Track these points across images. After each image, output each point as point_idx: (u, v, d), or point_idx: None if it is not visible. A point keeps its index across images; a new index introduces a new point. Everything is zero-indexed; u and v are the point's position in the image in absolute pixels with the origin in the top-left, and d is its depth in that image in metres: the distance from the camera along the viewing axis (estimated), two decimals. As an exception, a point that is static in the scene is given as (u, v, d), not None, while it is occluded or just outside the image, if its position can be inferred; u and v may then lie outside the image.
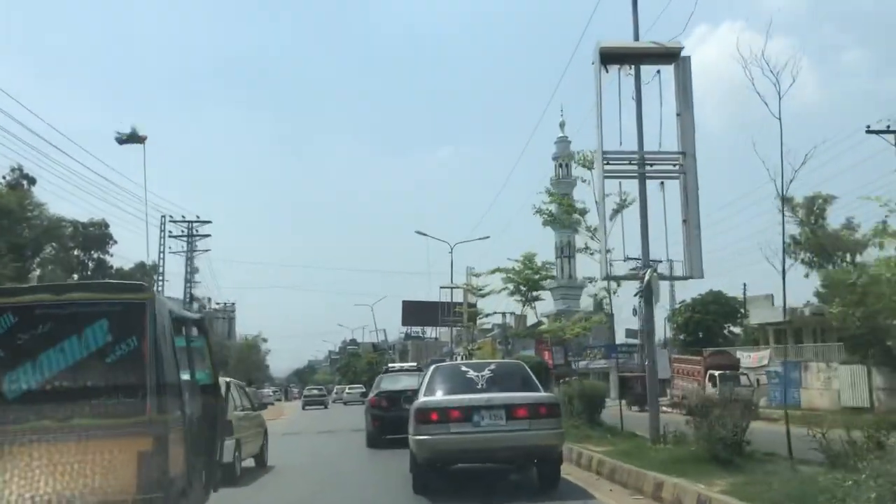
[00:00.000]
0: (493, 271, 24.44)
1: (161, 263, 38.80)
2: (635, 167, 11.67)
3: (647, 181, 11.69)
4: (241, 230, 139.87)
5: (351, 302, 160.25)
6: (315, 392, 48.88)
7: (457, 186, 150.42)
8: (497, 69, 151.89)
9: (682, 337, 40.36)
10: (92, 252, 43.51)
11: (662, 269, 11.69)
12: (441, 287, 42.14)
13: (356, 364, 74.21)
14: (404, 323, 68.21)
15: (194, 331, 6.30)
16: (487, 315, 35.03)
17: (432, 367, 9.79)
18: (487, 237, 41.81)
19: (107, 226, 43.02)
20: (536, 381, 8.92)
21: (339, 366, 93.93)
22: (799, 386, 25.12)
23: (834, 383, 24.44)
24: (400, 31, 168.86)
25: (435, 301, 54.45)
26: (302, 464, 13.05)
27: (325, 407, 44.36)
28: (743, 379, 25.18)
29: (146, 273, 52.52)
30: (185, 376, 5.63)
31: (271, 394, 52.89)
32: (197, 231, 41.77)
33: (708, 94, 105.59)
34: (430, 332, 79.77)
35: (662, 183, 11.73)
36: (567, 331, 23.37)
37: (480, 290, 31.34)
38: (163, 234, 39.80)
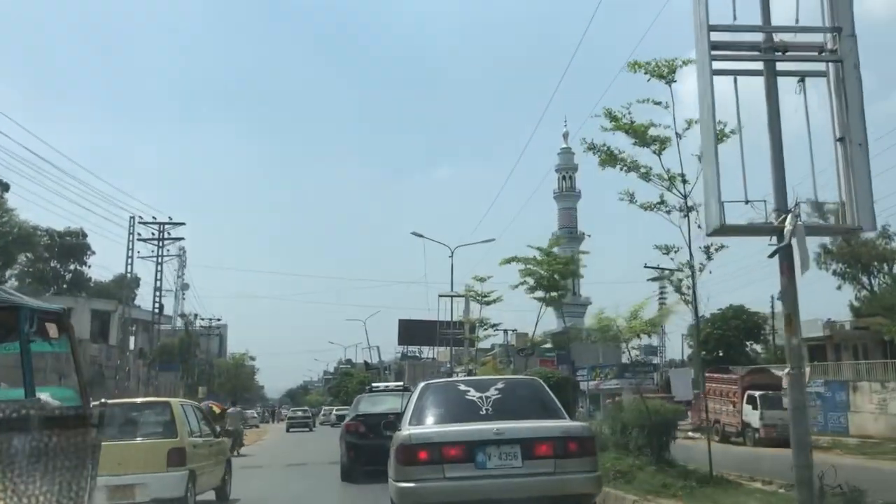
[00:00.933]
0: (509, 261, 20.50)
1: (129, 267, 36.59)
2: (757, 54, 7.33)
3: (779, 78, 7.34)
4: (234, 247, 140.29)
5: (344, 316, 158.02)
6: (299, 414, 48.32)
7: (455, 205, 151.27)
8: (495, 87, 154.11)
9: (701, 354, 38.46)
10: (69, 263, 41.64)
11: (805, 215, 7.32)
12: (440, 295, 37.51)
13: (348, 384, 71.96)
14: (401, 342, 66.58)
15: (52, 330, 4.80)
16: (494, 325, 31.60)
17: (421, 386, 7.42)
18: (492, 239, 36.83)
19: (84, 235, 41.26)
20: (559, 405, 6.86)
21: (331, 385, 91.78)
22: (846, 409, 22.99)
23: (891, 406, 22.28)
24: (399, 53, 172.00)
25: (432, 320, 52.54)
26: (267, 498, 11.81)
27: (310, 429, 43.45)
28: (785, 401, 22.74)
29: (126, 285, 50.81)
30: (15, 395, 4.32)
31: (255, 415, 51.68)
32: (168, 234, 38.94)
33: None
34: (428, 351, 78.28)
35: (802, 80, 7.41)
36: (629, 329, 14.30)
37: (485, 296, 28.51)
38: (131, 236, 36.82)
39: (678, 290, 10.80)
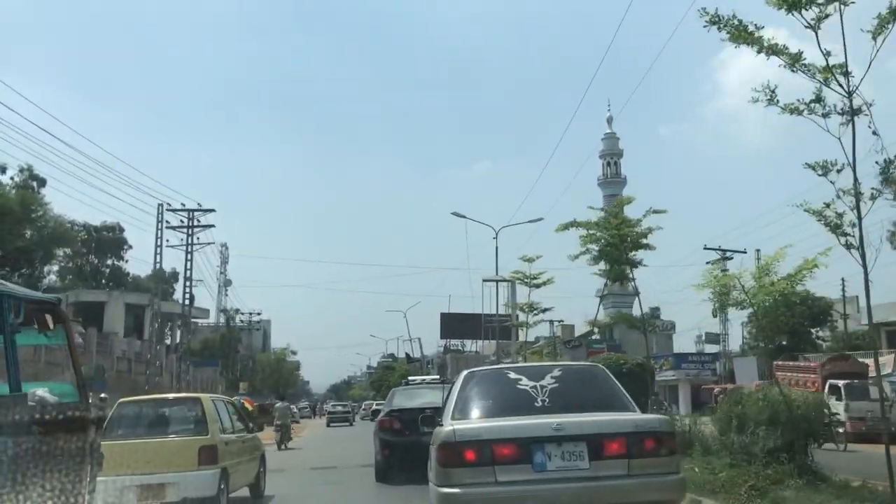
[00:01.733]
0: (566, 226, 17.60)
1: (158, 257, 35.67)
2: None
3: None
4: (274, 243, 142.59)
5: (385, 306, 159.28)
6: (339, 409, 48.83)
7: (493, 200, 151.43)
8: (532, 80, 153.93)
9: (760, 343, 36.75)
10: (107, 258, 42.06)
11: None
12: (484, 280, 34.83)
13: (390, 378, 71.88)
14: (443, 336, 66.04)
15: (48, 321, 4.55)
16: (544, 310, 28.70)
17: (465, 375, 6.55)
18: (540, 219, 34.29)
19: (121, 230, 41.63)
20: (627, 395, 6.02)
21: (373, 379, 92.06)
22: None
23: None
24: (435, 49, 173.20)
25: (475, 313, 51.79)
26: (301, 495, 11.46)
27: (350, 424, 43.74)
28: (872, 391, 20.83)
29: (156, 275, 51.34)
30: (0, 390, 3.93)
31: (296, 410, 52.32)
32: (198, 221, 37.49)
33: None
34: (471, 345, 77.86)
35: None
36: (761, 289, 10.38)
37: (534, 278, 26.37)
38: (160, 224, 35.78)
39: (835, 228, 7.90)
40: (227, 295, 77.42)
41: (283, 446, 22.44)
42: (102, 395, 5.30)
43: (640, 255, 17.14)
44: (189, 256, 36.48)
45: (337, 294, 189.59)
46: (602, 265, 17.75)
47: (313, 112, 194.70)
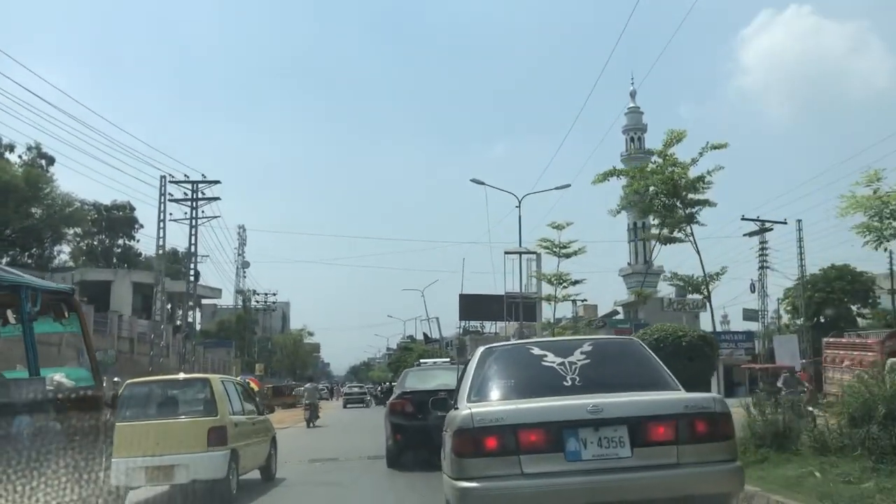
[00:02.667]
0: (605, 176, 15.73)
1: (161, 231, 34.38)
2: None
3: None
4: (296, 223, 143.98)
5: (403, 285, 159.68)
6: (355, 390, 50.31)
7: (513, 178, 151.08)
8: (553, 61, 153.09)
9: (798, 321, 35.85)
10: (118, 237, 42.01)
11: None
12: (506, 252, 31.72)
13: (408, 359, 71.86)
14: (462, 317, 65.52)
15: (62, 310, 4.96)
16: (575, 282, 25.04)
17: (482, 351, 5.76)
18: (567, 185, 32.31)
19: (132, 209, 41.48)
20: (668, 372, 5.26)
21: (390, 361, 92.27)
22: None
23: None
24: (455, 28, 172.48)
25: (495, 294, 51.07)
26: (313, 481, 11.37)
27: (366, 405, 44.52)
28: None
29: (175, 259, 51.31)
30: (19, 375, 4.48)
31: (324, 389, 55.19)
32: (203, 193, 35.69)
33: None
34: (490, 326, 77.60)
35: None
36: None
37: (564, 247, 24.03)
38: (163, 197, 34.33)
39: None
40: (244, 276, 77.78)
41: (311, 424, 24.12)
42: (116, 379, 5.86)
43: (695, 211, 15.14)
44: (193, 231, 35.30)
45: (353, 271, 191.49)
46: (644, 224, 17.19)
47: (332, 90, 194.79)
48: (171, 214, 34.28)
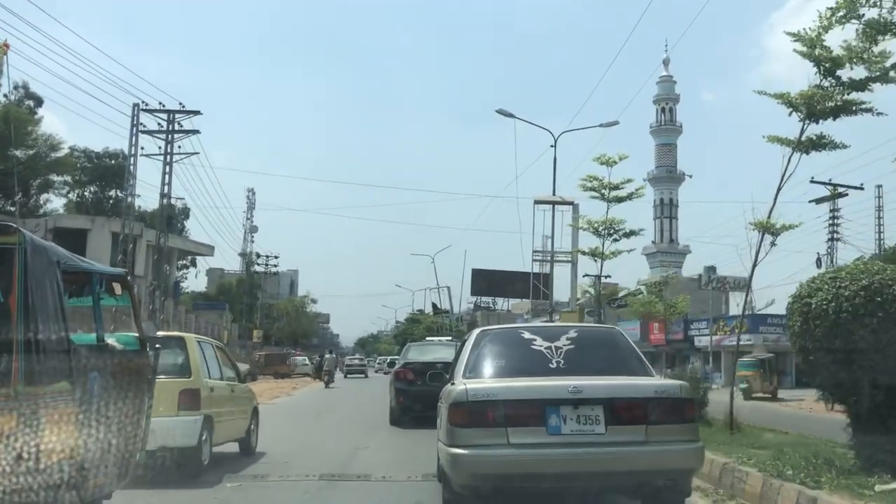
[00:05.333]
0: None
1: (132, 168, 32.83)
2: None
3: None
4: (304, 190, 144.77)
5: (415, 248, 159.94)
6: (356, 362, 57.52)
7: (532, 156, 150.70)
8: (578, 39, 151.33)
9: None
10: (109, 188, 41.49)
11: None
12: (537, 202, 27.21)
13: (415, 331, 71.74)
14: (473, 293, 65.30)
15: (117, 288, 6.20)
16: (631, 233, 18.92)
17: (477, 333, 6.84)
18: (615, 122, 28.63)
19: (125, 157, 40.83)
20: (644, 359, 6.37)
21: (396, 333, 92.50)
22: None
23: None
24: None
25: (508, 270, 50.41)
26: (295, 451, 11.14)
27: (366, 376, 51.67)
28: None
29: (173, 215, 50.96)
30: (89, 340, 5.44)
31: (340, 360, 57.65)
32: (180, 125, 33.10)
33: None
34: (502, 303, 77.52)
35: None
36: None
37: (616, 187, 18.43)
38: (135, 129, 32.23)
39: None
40: (253, 241, 77.86)
41: (328, 386, 33.34)
42: (158, 346, 6.52)
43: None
44: (168, 169, 33.41)
45: (364, 232, 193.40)
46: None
47: (352, 60, 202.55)
48: (142, 148, 32.57)
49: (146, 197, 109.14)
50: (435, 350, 15.94)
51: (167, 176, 33.22)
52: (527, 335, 6.39)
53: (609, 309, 35.62)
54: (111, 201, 41.11)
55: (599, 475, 5.45)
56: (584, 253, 19.71)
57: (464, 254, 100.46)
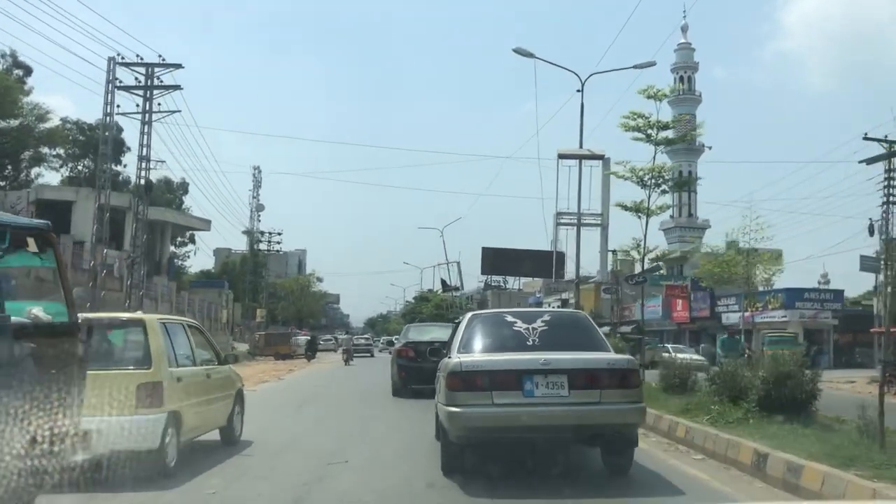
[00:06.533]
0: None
1: (107, 126, 31.12)
2: None
3: None
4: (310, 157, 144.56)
5: (424, 221, 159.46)
6: (362, 342, 59.05)
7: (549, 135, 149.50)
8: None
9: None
10: (104, 161, 40.56)
11: None
12: (560, 156, 24.09)
13: (423, 309, 70.93)
14: (484, 272, 64.44)
15: (32, 245, 5.44)
16: (683, 185, 17.68)
17: (468, 316, 8.59)
18: (651, 63, 25.81)
19: (120, 129, 39.90)
20: (604, 338, 8.00)
21: (404, 312, 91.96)
22: None
23: None
24: None
25: (520, 249, 49.24)
26: (292, 440, 10.73)
27: (371, 355, 52.72)
28: None
29: (171, 190, 50.19)
30: None
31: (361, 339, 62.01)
32: (159, 80, 30.71)
33: None
34: (513, 282, 76.95)
35: None
36: None
37: (667, 126, 15.07)
38: (110, 85, 29.95)
39: None
40: (259, 220, 77.23)
41: (348, 363, 36.05)
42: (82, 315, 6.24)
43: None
44: (146, 128, 31.22)
45: (369, 196, 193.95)
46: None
47: (359, 44, 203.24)
48: (118, 106, 30.80)
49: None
50: (431, 331, 18.07)
51: (146, 137, 31.42)
52: (509, 318, 7.98)
53: (628, 285, 33.98)
54: (104, 174, 40.23)
55: (563, 427, 7.06)
56: (625, 208, 17.03)
57: (473, 227, 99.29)
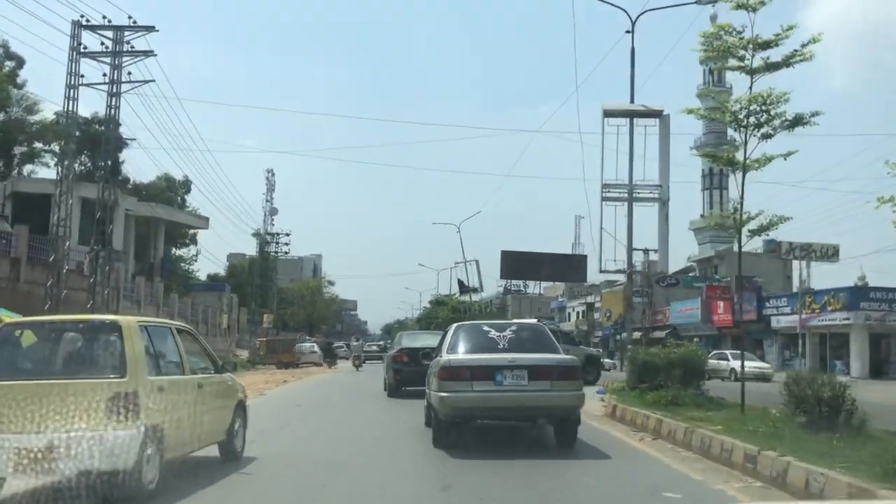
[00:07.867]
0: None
1: (70, 101, 28.15)
2: None
3: None
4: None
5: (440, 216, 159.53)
6: (374, 348, 58.85)
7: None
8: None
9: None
10: (101, 158, 40.10)
11: None
12: (606, 113, 21.23)
13: (439, 314, 70.10)
14: (503, 276, 63.36)
15: None
16: (794, 123, 11.48)
17: (454, 326, 11.47)
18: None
19: (119, 124, 39.31)
20: (556, 343, 10.69)
21: (419, 317, 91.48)
22: None
23: None
24: None
25: (540, 252, 48.22)
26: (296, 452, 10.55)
27: (383, 361, 49.76)
28: None
29: (172, 188, 49.69)
30: None
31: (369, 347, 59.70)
32: (130, 46, 28.09)
33: None
34: (533, 286, 76.33)
35: None
36: None
37: (768, 44, 11.68)
38: (74, 52, 27.52)
39: None
40: (273, 224, 77.10)
41: (358, 369, 39.18)
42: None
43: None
44: (113, 101, 28.72)
45: (386, 185, 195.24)
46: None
47: (379, 45, 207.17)
48: (82, 76, 28.24)
49: (142, 167, 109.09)
50: (422, 338, 20.37)
51: (114, 110, 29.27)
52: (485, 328, 10.82)
53: (658, 288, 33.33)
54: (101, 171, 39.64)
55: (524, 408, 9.95)
56: (714, 159, 14.00)
57: (491, 224, 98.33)
